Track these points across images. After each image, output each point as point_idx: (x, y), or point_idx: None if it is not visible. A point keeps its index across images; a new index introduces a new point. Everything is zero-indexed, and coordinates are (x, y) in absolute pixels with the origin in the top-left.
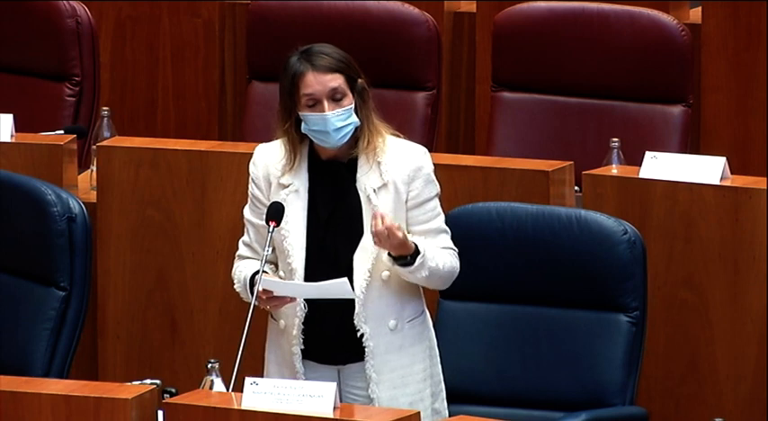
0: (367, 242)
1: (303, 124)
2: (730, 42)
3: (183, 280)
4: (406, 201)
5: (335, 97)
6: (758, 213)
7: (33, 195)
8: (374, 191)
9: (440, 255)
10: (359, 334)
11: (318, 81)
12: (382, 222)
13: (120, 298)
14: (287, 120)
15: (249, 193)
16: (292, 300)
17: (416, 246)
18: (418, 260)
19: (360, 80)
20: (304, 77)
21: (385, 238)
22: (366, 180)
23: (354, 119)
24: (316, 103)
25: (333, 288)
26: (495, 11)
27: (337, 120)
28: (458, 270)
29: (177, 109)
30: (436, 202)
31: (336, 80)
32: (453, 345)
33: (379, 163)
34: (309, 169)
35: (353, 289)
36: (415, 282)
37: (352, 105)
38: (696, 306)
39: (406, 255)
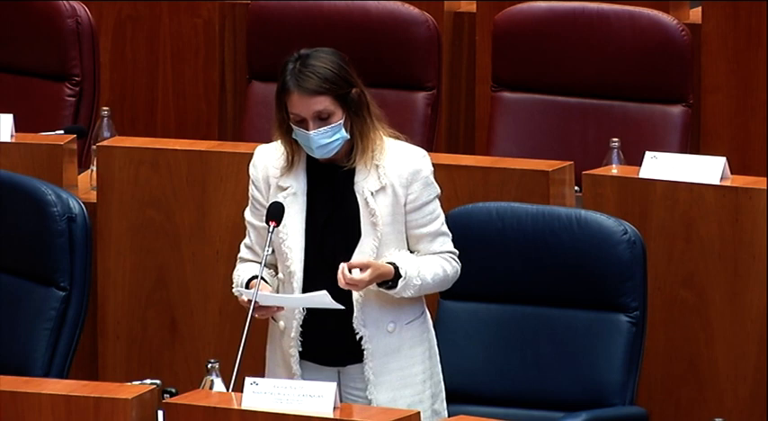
0: (365, 245)
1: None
2: (730, 42)
3: (183, 280)
4: (405, 205)
5: (321, 117)
6: (758, 213)
7: (33, 195)
8: (372, 194)
9: (428, 268)
10: (357, 336)
11: (303, 103)
12: (343, 278)
13: (120, 298)
14: (282, 125)
15: (249, 195)
16: (279, 309)
17: (397, 269)
18: (400, 283)
19: (354, 89)
20: (290, 97)
21: (357, 284)
22: (364, 183)
23: (342, 134)
24: (302, 121)
25: (315, 300)
26: (495, 11)
27: (321, 139)
28: (457, 274)
29: (177, 109)
30: (435, 205)
31: (321, 103)
32: (453, 346)
33: (377, 166)
34: (308, 172)
35: (351, 293)
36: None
37: (341, 120)
38: (696, 306)
39: (387, 281)
